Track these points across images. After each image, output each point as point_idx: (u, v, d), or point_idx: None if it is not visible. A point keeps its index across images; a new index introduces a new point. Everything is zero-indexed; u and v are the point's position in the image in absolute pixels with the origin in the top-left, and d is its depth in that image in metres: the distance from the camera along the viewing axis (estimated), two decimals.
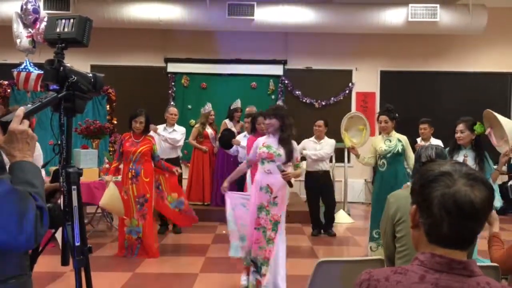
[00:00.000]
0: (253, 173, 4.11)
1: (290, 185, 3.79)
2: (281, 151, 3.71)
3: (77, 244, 1.59)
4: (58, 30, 1.66)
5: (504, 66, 9.30)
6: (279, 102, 7.58)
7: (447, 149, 4.52)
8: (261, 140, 3.84)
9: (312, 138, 6.42)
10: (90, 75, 1.71)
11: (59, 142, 1.62)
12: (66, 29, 1.65)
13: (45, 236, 1.32)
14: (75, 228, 1.59)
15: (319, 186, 6.30)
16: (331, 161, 6.77)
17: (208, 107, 7.34)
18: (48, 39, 1.68)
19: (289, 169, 3.81)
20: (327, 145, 6.27)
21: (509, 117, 9.21)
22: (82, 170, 1.68)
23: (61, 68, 1.60)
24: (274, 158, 3.70)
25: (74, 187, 1.60)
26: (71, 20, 1.65)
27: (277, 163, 3.66)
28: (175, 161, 6.25)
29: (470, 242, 1.11)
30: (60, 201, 1.65)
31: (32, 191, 1.25)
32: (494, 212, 2.39)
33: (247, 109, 7.10)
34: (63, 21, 1.65)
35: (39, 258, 3.23)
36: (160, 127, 6.35)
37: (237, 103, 7.46)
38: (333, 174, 6.85)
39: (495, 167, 4.18)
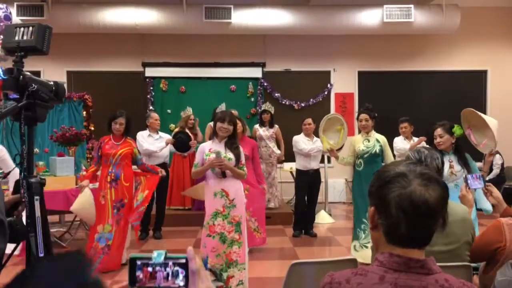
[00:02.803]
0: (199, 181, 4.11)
1: (224, 175, 3.75)
2: (231, 155, 3.75)
3: (41, 255, 1.57)
4: (17, 38, 1.63)
5: (478, 64, 9.47)
6: (267, 105, 7.56)
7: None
8: (207, 146, 3.81)
9: (302, 136, 6.35)
10: (51, 83, 1.68)
11: (20, 151, 1.59)
12: (25, 37, 1.62)
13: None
14: (38, 239, 1.56)
15: (308, 185, 6.28)
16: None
17: (188, 111, 7.31)
18: (7, 48, 1.65)
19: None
20: (320, 142, 6.29)
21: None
22: (45, 180, 1.65)
23: (21, 77, 1.57)
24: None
25: (36, 197, 1.57)
26: (30, 28, 1.62)
27: (221, 153, 3.67)
28: (161, 167, 6.22)
29: (427, 240, 1.13)
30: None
31: None
32: (471, 196, 2.43)
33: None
34: (22, 29, 1.62)
35: (15, 268, 3.17)
36: (144, 134, 6.28)
37: (222, 107, 7.45)
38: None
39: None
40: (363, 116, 5.12)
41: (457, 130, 3.95)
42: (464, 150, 3.99)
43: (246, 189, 5.30)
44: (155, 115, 6.41)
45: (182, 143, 6.37)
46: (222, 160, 3.64)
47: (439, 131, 3.92)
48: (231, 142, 3.80)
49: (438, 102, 9.19)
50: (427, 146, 3.88)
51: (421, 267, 1.09)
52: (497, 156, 8.50)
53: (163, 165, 6.34)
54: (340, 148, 6.44)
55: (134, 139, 5.53)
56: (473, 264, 2.24)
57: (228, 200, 3.73)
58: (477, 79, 9.56)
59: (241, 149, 3.89)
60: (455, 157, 3.92)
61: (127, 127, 4.90)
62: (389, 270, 1.09)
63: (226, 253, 3.68)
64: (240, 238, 3.75)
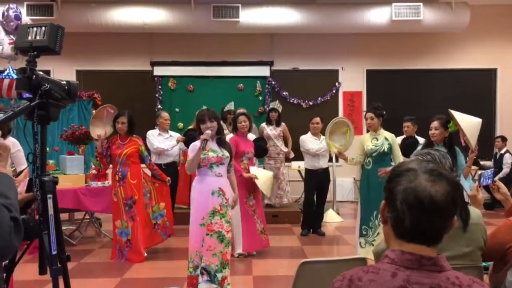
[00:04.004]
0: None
1: (204, 148, 3.73)
2: (226, 153, 3.78)
3: (54, 253, 1.58)
4: (30, 38, 1.64)
5: (488, 62, 9.40)
6: (275, 103, 7.58)
7: (421, 146, 4.65)
8: (198, 144, 3.69)
9: (309, 136, 6.31)
10: (64, 82, 1.69)
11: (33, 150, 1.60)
12: (38, 37, 1.64)
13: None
14: (51, 237, 1.58)
15: (318, 184, 6.25)
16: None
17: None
18: (20, 48, 1.67)
19: (221, 169, 3.79)
20: None
21: (495, 113, 9.37)
22: (58, 178, 1.67)
23: (34, 76, 1.59)
24: (224, 161, 3.76)
25: (49, 195, 1.59)
26: (43, 28, 1.63)
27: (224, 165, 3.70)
28: (171, 165, 6.26)
29: (435, 237, 1.12)
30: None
31: (6, 203, 1.23)
32: (481, 196, 2.42)
33: (238, 111, 7.10)
34: (35, 29, 1.64)
35: (25, 266, 3.20)
36: (154, 133, 6.30)
37: (231, 106, 7.47)
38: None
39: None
40: (369, 114, 5.15)
41: (452, 126, 4.23)
42: (457, 145, 4.26)
43: (253, 190, 5.33)
44: (165, 115, 6.42)
45: (193, 140, 6.39)
46: (208, 133, 3.65)
47: (435, 123, 4.26)
48: (222, 139, 3.84)
49: (447, 100, 9.10)
50: (436, 147, 3.90)
51: (433, 264, 1.09)
52: (507, 155, 8.44)
53: (173, 164, 6.36)
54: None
55: (143, 137, 5.61)
56: (483, 264, 2.23)
57: (225, 199, 3.74)
58: (487, 77, 9.48)
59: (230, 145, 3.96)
60: (444, 150, 4.06)
61: (130, 125, 4.98)
62: (400, 267, 1.09)
63: (222, 252, 3.66)
64: (231, 239, 3.82)
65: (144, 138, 5.71)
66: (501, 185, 2.46)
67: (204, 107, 7.32)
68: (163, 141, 6.26)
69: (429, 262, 1.09)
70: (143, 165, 5.17)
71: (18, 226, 1.23)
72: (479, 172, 8.88)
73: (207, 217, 3.66)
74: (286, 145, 7.50)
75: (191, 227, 3.71)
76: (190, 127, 7.13)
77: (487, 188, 2.75)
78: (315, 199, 6.34)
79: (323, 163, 6.24)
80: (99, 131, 5.11)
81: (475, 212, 2.18)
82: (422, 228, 1.10)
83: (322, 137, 6.31)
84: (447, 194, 1.09)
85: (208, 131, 3.65)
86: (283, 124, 7.42)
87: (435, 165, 1.14)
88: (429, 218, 1.09)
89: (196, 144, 3.74)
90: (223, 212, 3.70)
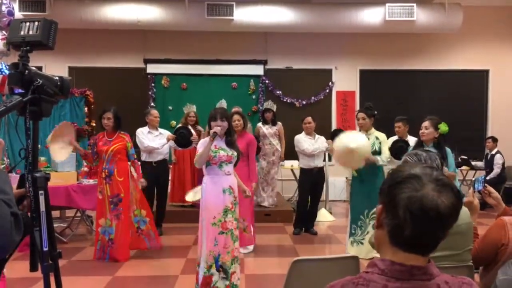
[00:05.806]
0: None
1: (214, 137, 3.76)
2: (235, 153, 3.80)
3: (45, 249, 1.57)
4: (22, 33, 1.63)
5: (480, 64, 9.48)
6: (268, 103, 7.56)
7: (412, 146, 4.66)
8: (206, 142, 3.72)
9: (303, 135, 6.29)
10: (57, 78, 1.68)
11: (25, 146, 1.59)
12: (31, 32, 1.62)
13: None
14: (43, 233, 1.57)
15: (313, 183, 6.24)
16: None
17: (190, 107, 7.29)
18: (13, 42, 1.65)
19: (230, 167, 3.80)
20: (323, 140, 6.27)
21: (486, 114, 9.46)
22: (50, 175, 1.66)
23: (26, 71, 1.58)
24: (232, 160, 3.78)
25: (41, 192, 1.58)
26: (36, 23, 1.62)
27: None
28: (162, 163, 6.24)
29: (432, 248, 1.10)
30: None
31: (5, 198, 1.22)
32: (477, 202, 2.42)
33: (233, 109, 7.08)
34: (28, 24, 1.63)
35: (15, 263, 3.16)
36: (143, 130, 6.26)
37: (222, 103, 7.45)
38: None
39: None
40: (360, 115, 5.18)
41: (442, 127, 4.28)
42: (445, 146, 4.28)
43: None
44: (154, 112, 6.39)
45: (183, 139, 6.36)
46: (218, 128, 3.70)
47: (426, 123, 4.32)
48: (232, 141, 3.84)
49: (439, 101, 9.20)
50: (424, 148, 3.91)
51: (423, 274, 1.07)
52: (498, 155, 8.50)
53: (163, 162, 6.32)
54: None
55: (133, 135, 5.56)
56: None
57: (234, 197, 3.76)
58: (479, 78, 9.56)
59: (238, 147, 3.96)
60: (434, 151, 4.05)
61: (117, 121, 4.95)
62: (391, 278, 1.06)
63: (232, 249, 3.71)
64: (238, 234, 3.83)
65: (134, 136, 5.67)
66: (492, 189, 2.47)
67: (190, 105, 7.32)
68: (152, 139, 6.22)
69: (419, 272, 1.07)
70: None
71: (18, 222, 1.22)
72: (471, 172, 8.96)
73: (220, 216, 3.67)
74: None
75: (204, 228, 3.70)
76: (180, 125, 7.12)
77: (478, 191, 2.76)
78: (309, 199, 6.34)
79: (318, 162, 6.24)
80: (59, 154, 5.03)
81: (464, 211, 2.18)
82: (423, 238, 1.07)
83: (317, 136, 6.32)
84: (451, 205, 1.06)
85: (218, 127, 3.69)
86: (279, 123, 7.40)
87: (440, 174, 1.11)
88: (432, 228, 1.06)
89: (206, 140, 3.78)
90: (233, 210, 3.74)
